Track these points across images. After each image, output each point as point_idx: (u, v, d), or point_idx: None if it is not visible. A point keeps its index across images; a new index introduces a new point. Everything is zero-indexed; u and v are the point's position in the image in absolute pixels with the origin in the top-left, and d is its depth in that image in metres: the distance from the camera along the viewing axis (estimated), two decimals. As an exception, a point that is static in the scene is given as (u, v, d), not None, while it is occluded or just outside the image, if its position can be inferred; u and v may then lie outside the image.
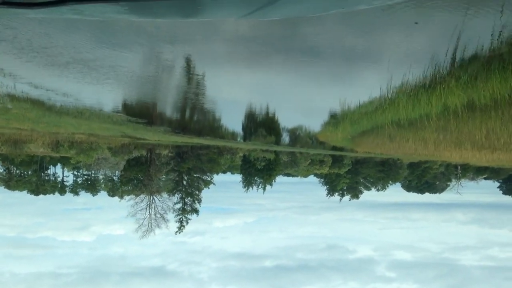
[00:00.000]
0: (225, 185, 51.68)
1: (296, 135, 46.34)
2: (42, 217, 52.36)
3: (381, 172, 65.20)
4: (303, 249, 48.99)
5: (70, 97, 16.83)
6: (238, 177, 44.79)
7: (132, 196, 41.66)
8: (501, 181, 72.28)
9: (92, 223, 49.36)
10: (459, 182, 72.86)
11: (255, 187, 48.87)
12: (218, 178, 44.37)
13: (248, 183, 48.14)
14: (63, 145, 35.69)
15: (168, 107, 24.25)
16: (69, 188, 53.97)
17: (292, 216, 55.14)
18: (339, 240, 51.63)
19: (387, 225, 58.36)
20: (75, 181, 54.29)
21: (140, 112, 25.02)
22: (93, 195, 50.45)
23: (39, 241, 50.59)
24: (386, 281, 44.24)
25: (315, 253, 47.88)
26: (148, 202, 41.76)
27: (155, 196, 41.92)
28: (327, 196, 62.13)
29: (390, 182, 66.90)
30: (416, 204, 57.34)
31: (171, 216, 41.94)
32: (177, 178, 42.60)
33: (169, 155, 44.25)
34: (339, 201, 63.74)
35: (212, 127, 39.21)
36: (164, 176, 43.19)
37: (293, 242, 49.95)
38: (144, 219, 41.14)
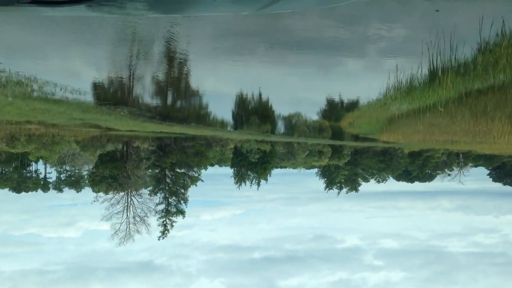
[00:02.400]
0: (213, 178, 48.90)
1: (292, 124, 41.34)
2: (27, 214, 51.33)
3: (381, 163, 60.60)
4: (291, 240, 48.28)
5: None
6: (226, 170, 43.00)
7: (107, 197, 35.64)
8: (490, 168, 71.10)
9: (78, 218, 47.00)
10: (461, 171, 69.51)
11: (248, 182, 43.32)
12: (205, 171, 40.21)
13: (240, 178, 42.55)
14: (19, 139, 29.48)
15: (147, 91, 23.47)
16: (52, 185, 51.22)
17: (280, 208, 55.31)
18: (327, 230, 51.77)
19: (374, 214, 58.37)
20: (58, 178, 50.91)
21: (114, 97, 23.47)
22: (77, 192, 46.71)
23: (24, 238, 47.08)
24: (374, 270, 44.43)
25: (303, 244, 47.72)
26: (125, 204, 35.85)
27: (134, 197, 36.03)
28: (325, 189, 57.16)
29: (390, 173, 62.38)
30: (403, 192, 58.78)
31: (153, 219, 36.15)
32: (159, 175, 36.65)
33: (149, 149, 38.26)
34: (337, 195, 59.02)
35: (199, 115, 34.56)
36: (143, 173, 37.20)
37: (281, 233, 51.04)
38: (121, 223, 35.29)
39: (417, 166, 65.87)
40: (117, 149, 36.46)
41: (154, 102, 32.80)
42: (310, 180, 52.38)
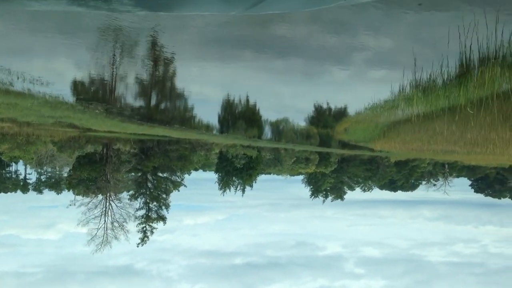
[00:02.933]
0: (196, 183, 48.47)
1: (279, 130, 40.46)
2: (6, 215, 49.62)
3: (368, 171, 60.00)
4: (273, 246, 48.02)
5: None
6: (210, 175, 42.43)
7: (84, 201, 33.94)
8: (472, 179, 72.10)
9: (58, 221, 45.75)
10: (446, 181, 69.62)
11: (232, 189, 42.04)
12: (189, 176, 39.28)
13: (224, 184, 41.25)
14: (-10, 138, 27.73)
15: (130, 91, 22.21)
16: (32, 186, 49.65)
17: (263, 214, 55.25)
18: (309, 237, 51.68)
19: (356, 222, 59.04)
20: (38, 179, 49.44)
21: (94, 96, 22.35)
22: (57, 194, 45.11)
23: (2, 240, 45.82)
24: (355, 278, 44.38)
25: (285, 250, 47.52)
26: (104, 209, 34.19)
27: (113, 201, 34.40)
28: (310, 197, 56.22)
29: (377, 182, 61.82)
30: (385, 201, 59.47)
31: (132, 225, 34.55)
32: (139, 179, 35.12)
33: (130, 152, 36.72)
34: (323, 203, 58.15)
35: (183, 118, 33.46)
36: (123, 176, 35.61)
37: (263, 239, 50.30)
38: (98, 229, 33.60)
39: (403, 176, 65.58)
40: (96, 151, 34.85)
41: (137, 103, 31.52)
42: (294, 187, 52.05)
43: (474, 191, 71.22)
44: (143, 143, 35.54)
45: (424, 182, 68.53)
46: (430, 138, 15.06)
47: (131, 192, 35.20)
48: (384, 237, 54.48)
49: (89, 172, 33.04)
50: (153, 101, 33.24)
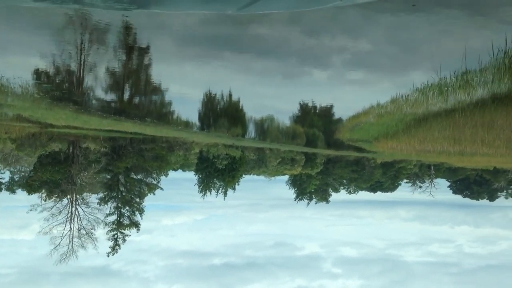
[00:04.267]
0: (175, 183, 47.04)
1: (264, 129, 37.69)
2: None
3: (354, 173, 57.77)
4: (251, 246, 46.74)
5: None
6: (189, 174, 41.18)
7: (47, 205, 30.16)
8: (451, 180, 72.56)
9: (33, 221, 43.56)
10: (432, 183, 68.35)
11: (213, 191, 38.84)
12: (166, 177, 36.98)
13: (205, 186, 38.02)
14: None
15: (100, 83, 21.58)
16: (5, 186, 45.74)
17: (242, 214, 53.51)
18: (287, 238, 50.50)
19: (334, 222, 58.64)
20: (11, 179, 45.53)
21: (59, 87, 21.49)
22: (29, 194, 41.60)
23: None
24: (332, 277, 43.86)
25: (263, 251, 46.32)
26: (69, 214, 30.50)
27: (79, 206, 30.73)
28: (295, 200, 53.55)
29: (362, 183, 59.74)
30: (363, 201, 59.70)
31: (101, 232, 30.97)
32: (110, 182, 31.52)
33: (101, 151, 33.09)
34: (307, 205, 55.66)
35: (160, 113, 30.71)
36: (92, 178, 31.94)
37: (242, 239, 48.79)
38: (63, 237, 29.91)
39: (389, 178, 63.83)
40: (61, 149, 31.11)
41: (109, 96, 28.51)
42: (274, 187, 53.02)
43: (453, 192, 71.23)
44: (114, 141, 32.01)
45: (410, 184, 67.09)
46: (447, 138, 12.79)
47: (101, 195, 31.58)
48: (362, 237, 54.42)
49: (52, 174, 29.28)
50: (126, 95, 29.95)
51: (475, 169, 65.50)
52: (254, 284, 40.72)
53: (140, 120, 28.56)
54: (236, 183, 38.87)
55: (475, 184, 71.03)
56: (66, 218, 30.54)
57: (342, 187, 60.26)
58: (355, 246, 50.75)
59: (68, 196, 31.03)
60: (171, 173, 42.63)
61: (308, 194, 55.22)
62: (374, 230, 57.35)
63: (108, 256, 30.79)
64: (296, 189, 53.28)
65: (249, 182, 47.16)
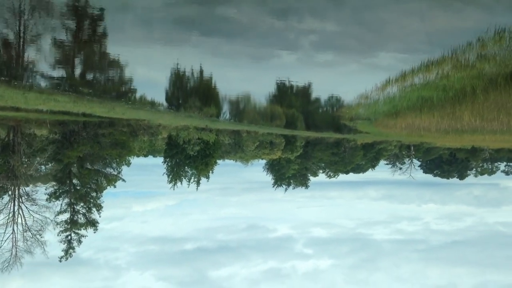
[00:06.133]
0: (144, 168, 46.88)
1: (240, 109, 33.69)
2: None
3: (335, 155, 54.55)
4: (223, 230, 48.11)
5: None
6: (160, 160, 38.88)
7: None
8: (421, 160, 72.23)
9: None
10: (412, 164, 66.57)
11: (185, 181, 34.41)
12: (128, 167, 33.47)
13: (175, 175, 33.51)
14: None
15: (45, 56, 19.26)
16: None
17: (214, 198, 54.21)
18: (259, 220, 52.24)
19: (306, 203, 59.59)
20: None
21: None
22: None
23: None
24: (304, 258, 45.44)
25: (236, 234, 47.92)
26: (11, 213, 25.45)
27: (23, 204, 25.66)
28: (273, 186, 49.91)
29: (343, 167, 56.77)
30: (333, 182, 60.59)
31: (52, 234, 26.12)
32: (60, 174, 26.48)
33: (48, 138, 27.90)
34: (285, 191, 52.31)
35: (119, 92, 26.58)
36: (38, 170, 26.80)
37: (214, 223, 49.90)
38: (4, 241, 24.99)
39: (369, 159, 61.31)
40: (-1, 136, 25.82)
41: (56, 72, 24.49)
42: (246, 170, 51.12)
43: (423, 172, 71.54)
44: (64, 126, 26.96)
45: (390, 166, 65.09)
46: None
47: (50, 190, 26.55)
48: (332, 217, 56.57)
49: (-14, 166, 24.06)
50: (78, 70, 26.38)
51: (449, 148, 65.67)
52: (227, 267, 41.86)
53: (95, 99, 24.13)
54: (210, 171, 34.55)
55: (446, 164, 70.72)
56: (8, 219, 25.50)
57: (321, 171, 57.48)
58: (326, 227, 52.86)
59: (10, 192, 25.93)
60: (141, 159, 42.49)
61: (286, 180, 51.91)
62: (344, 210, 59.86)
63: (60, 261, 26.08)
64: (274, 174, 49.55)
65: (220, 167, 46.08)
